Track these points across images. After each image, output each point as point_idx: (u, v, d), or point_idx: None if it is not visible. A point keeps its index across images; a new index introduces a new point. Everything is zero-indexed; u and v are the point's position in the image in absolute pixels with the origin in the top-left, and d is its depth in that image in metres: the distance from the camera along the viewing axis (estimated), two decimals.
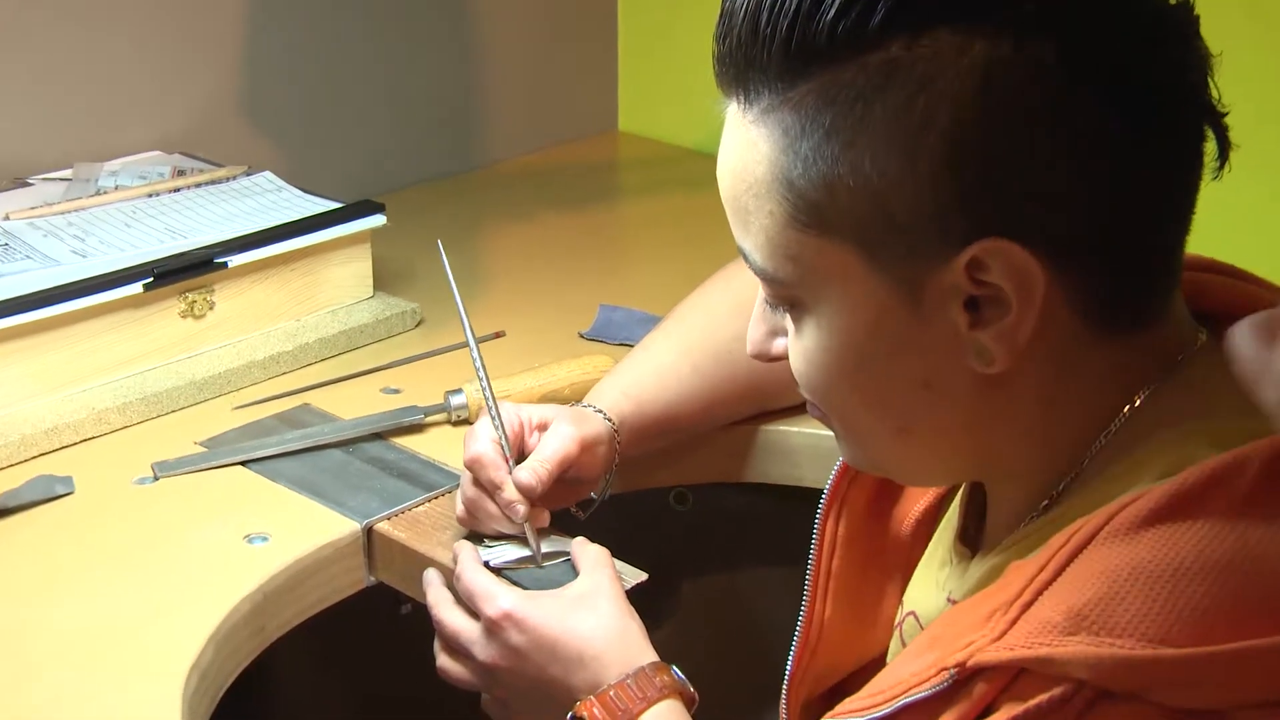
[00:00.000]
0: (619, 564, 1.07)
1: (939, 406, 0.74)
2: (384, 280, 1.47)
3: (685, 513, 1.45)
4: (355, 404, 1.28)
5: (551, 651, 0.94)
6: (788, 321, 0.77)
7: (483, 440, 1.04)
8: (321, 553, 1.10)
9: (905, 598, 0.92)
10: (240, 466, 1.19)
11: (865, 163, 0.68)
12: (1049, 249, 0.69)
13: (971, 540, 0.85)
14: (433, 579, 1.05)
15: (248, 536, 1.10)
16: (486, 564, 1.03)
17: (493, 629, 0.96)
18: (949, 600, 0.83)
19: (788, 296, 0.74)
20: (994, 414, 0.75)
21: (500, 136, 1.87)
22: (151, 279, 1.26)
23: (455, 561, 1.03)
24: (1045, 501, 0.77)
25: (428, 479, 1.17)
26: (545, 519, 1.05)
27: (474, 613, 0.99)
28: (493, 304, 1.48)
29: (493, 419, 1.04)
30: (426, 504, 1.15)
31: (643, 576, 1.06)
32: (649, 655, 0.94)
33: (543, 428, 1.07)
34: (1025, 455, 0.77)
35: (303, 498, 1.15)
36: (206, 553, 1.09)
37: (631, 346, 1.21)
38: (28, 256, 1.30)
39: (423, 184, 1.79)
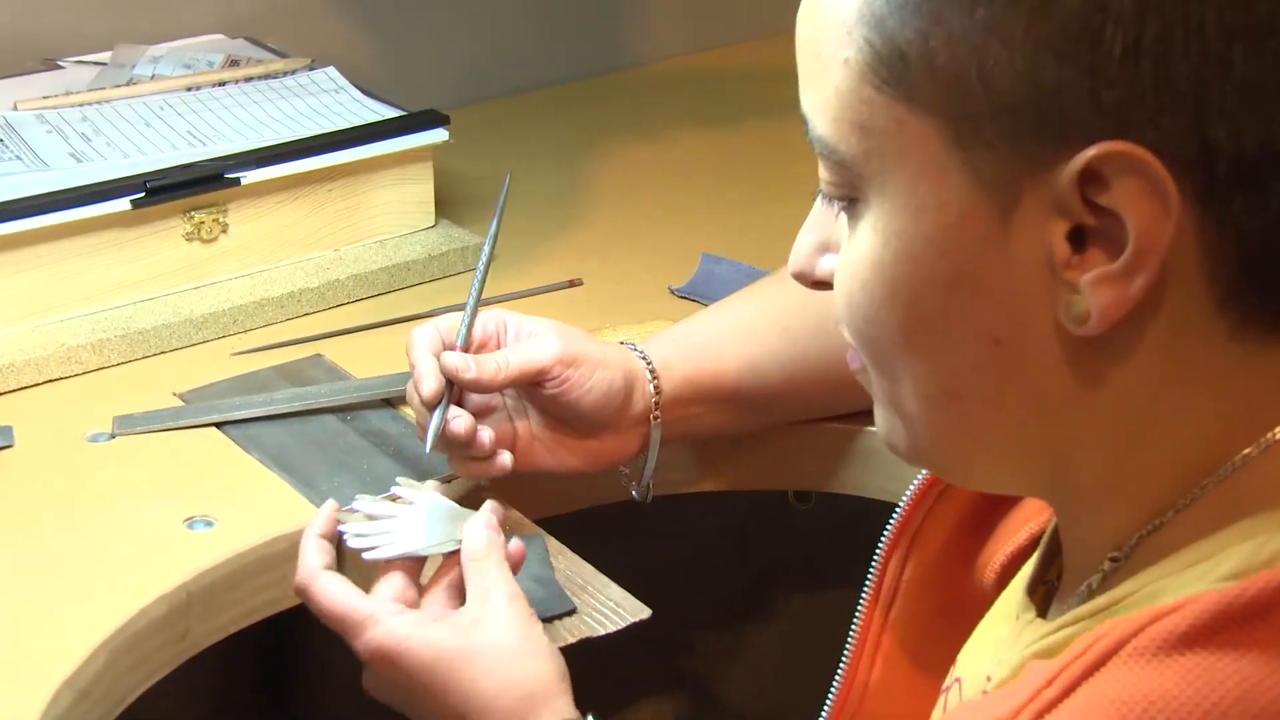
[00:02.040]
0: (618, 593, 0.97)
1: (1006, 373, 0.64)
2: (456, 206, 1.38)
3: (806, 513, 1.36)
4: (377, 359, 1.20)
5: (441, 698, 0.88)
6: (843, 231, 0.68)
7: (428, 325, 0.98)
8: (271, 546, 1.02)
9: (959, 656, 0.82)
10: (214, 428, 1.12)
11: (978, 9, 0.59)
12: (1196, 175, 0.59)
13: (1052, 590, 0.75)
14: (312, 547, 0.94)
15: (189, 520, 1.03)
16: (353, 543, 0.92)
17: (368, 662, 0.90)
18: (986, 680, 0.73)
19: (847, 184, 0.65)
20: (1075, 403, 0.64)
21: (652, 32, 1.76)
22: (142, 194, 1.19)
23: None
24: (1115, 554, 0.67)
25: (426, 462, 1.07)
26: (500, 462, 0.96)
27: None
28: (578, 242, 1.38)
29: (467, 314, 0.98)
30: None
31: (644, 613, 0.97)
32: (560, 712, 0.86)
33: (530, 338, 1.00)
34: (1103, 480, 0.67)
35: (271, 474, 1.07)
36: (135, 537, 1.01)
37: None
38: (17, 157, 1.25)
39: (548, 87, 1.68)
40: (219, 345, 1.22)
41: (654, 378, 1.00)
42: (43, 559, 0.99)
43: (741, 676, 1.39)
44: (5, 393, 1.15)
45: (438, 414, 0.95)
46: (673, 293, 1.29)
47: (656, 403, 1.00)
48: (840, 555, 1.31)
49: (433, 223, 1.34)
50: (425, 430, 0.96)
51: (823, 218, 0.71)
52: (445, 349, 0.97)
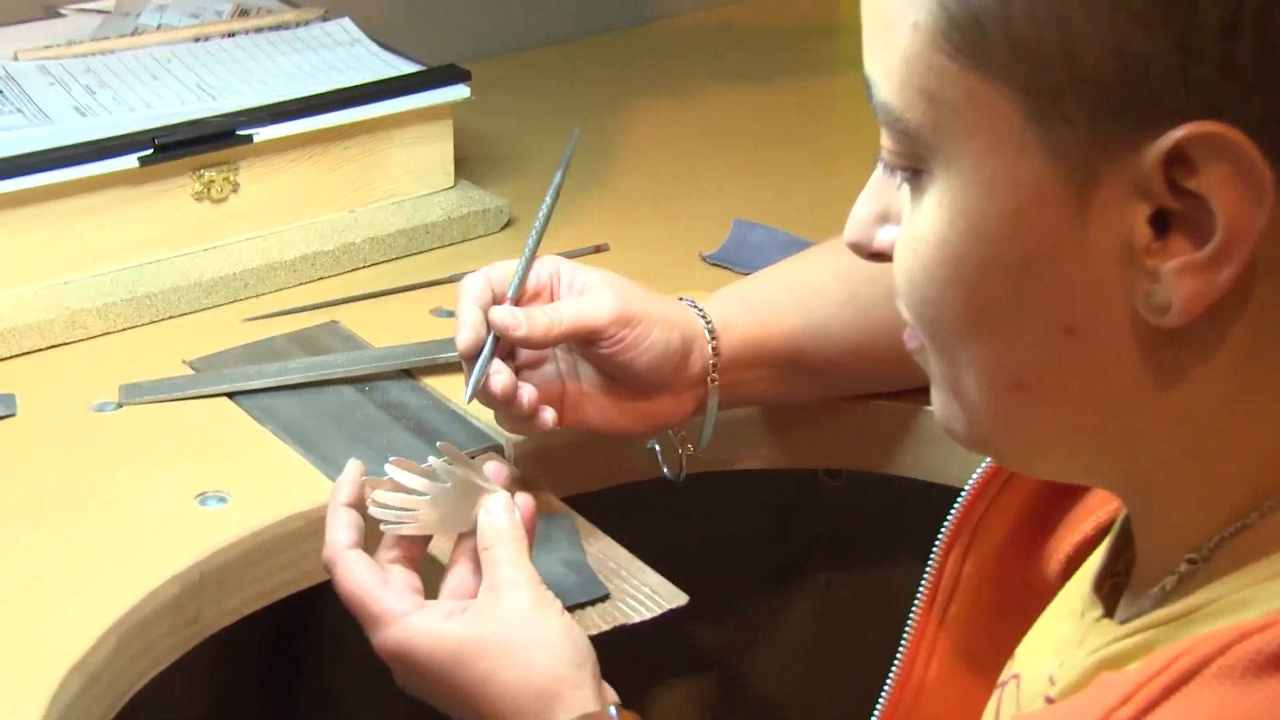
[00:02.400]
0: (654, 578, 0.96)
1: (1078, 363, 0.63)
2: (475, 166, 1.36)
3: (841, 490, 1.35)
4: (396, 327, 1.18)
5: (460, 695, 0.87)
6: (905, 202, 0.66)
7: (479, 275, 0.96)
8: (287, 525, 1.00)
9: (1018, 650, 0.80)
10: (226, 399, 1.10)
11: None
12: None
13: (1121, 585, 0.73)
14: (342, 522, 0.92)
15: (201, 495, 1.01)
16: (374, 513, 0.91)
17: (385, 659, 0.88)
18: (1049, 681, 0.71)
19: (911, 155, 0.63)
20: (1148, 398, 0.62)
21: None
22: (149, 151, 1.17)
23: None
24: (1193, 555, 0.65)
25: (447, 436, 1.06)
26: (542, 419, 0.94)
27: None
28: (603, 205, 1.35)
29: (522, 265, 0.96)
30: None
31: (681, 600, 0.95)
32: (579, 704, 0.84)
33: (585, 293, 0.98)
34: (1177, 478, 0.65)
35: (287, 448, 1.06)
36: (144, 513, 0.99)
37: None
38: (18, 109, 1.22)
39: (570, 41, 1.66)
40: (230, 310, 1.20)
41: (713, 338, 0.99)
42: (48, 538, 0.97)
43: (773, 657, 1.37)
44: (6, 358, 1.13)
45: (479, 366, 0.93)
46: (704, 260, 1.27)
47: (714, 364, 0.99)
48: (878, 533, 1.31)
49: (452, 183, 1.32)
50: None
51: (883, 187, 0.69)
52: (495, 300, 0.96)
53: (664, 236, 1.30)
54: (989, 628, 0.87)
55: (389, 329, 1.18)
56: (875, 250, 0.70)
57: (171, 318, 1.19)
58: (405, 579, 0.90)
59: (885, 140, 0.64)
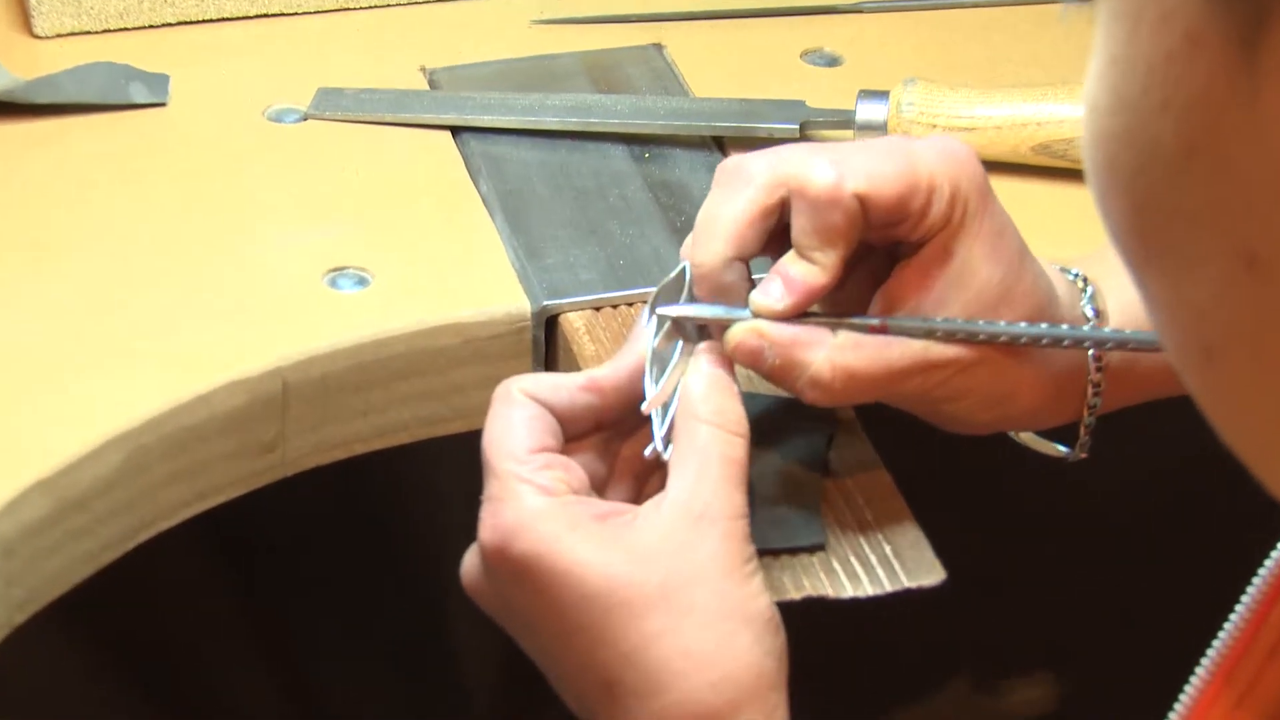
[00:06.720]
0: (909, 537, 0.80)
1: (1266, 314, 0.56)
2: None
3: None
4: (742, 67, 1.06)
5: (583, 649, 0.76)
6: None
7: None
8: (433, 338, 0.87)
9: None
10: (448, 133, 0.98)
11: None
12: None
13: None
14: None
15: (334, 271, 0.88)
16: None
17: (486, 555, 0.76)
18: None
19: None
20: None
21: None
22: None
23: None
24: None
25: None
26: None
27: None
28: None
29: None
30: None
31: (932, 578, 0.79)
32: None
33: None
34: None
35: (487, 224, 0.92)
36: (251, 278, 0.89)
37: None
38: None
39: None
40: (523, 5, 1.08)
41: (1098, 363, 0.85)
42: (112, 282, 0.88)
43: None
44: (198, 22, 1.05)
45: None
46: None
47: (1096, 386, 0.85)
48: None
49: None
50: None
51: None
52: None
53: None
54: None
55: (731, 69, 1.05)
56: None
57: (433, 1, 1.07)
58: (587, 466, 0.78)
59: None
